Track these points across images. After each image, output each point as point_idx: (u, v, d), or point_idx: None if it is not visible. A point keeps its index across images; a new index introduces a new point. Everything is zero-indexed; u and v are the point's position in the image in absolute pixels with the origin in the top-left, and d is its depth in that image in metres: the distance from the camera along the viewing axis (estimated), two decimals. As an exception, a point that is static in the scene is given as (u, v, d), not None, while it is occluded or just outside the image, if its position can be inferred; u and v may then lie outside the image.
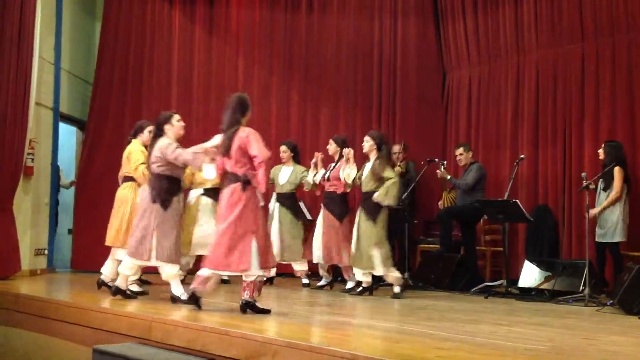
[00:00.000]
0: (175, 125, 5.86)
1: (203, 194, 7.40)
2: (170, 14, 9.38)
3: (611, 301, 5.84)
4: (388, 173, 6.76)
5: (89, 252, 8.66)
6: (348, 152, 7.10)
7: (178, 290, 5.60)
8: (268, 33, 9.60)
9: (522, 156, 7.83)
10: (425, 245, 8.83)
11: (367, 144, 6.93)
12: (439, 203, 8.67)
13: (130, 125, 8.90)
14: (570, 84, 8.25)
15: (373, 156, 6.92)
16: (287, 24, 9.65)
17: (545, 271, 7.10)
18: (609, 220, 6.89)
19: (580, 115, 8.09)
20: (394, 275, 6.72)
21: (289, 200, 7.69)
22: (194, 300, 5.14)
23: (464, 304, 6.30)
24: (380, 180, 6.75)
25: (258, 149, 5.07)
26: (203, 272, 5.09)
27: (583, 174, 6.91)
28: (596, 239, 6.89)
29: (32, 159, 7.91)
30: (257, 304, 5.07)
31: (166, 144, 5.63)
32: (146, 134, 6.57)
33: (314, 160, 7.52)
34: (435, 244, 8.56)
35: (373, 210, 6.74)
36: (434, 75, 9.81)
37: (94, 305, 5.33)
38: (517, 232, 8.41)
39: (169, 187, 5.66)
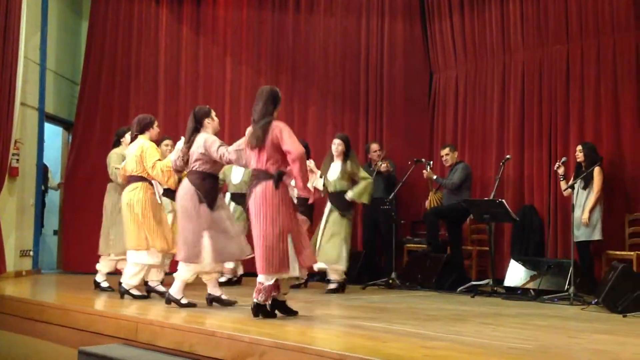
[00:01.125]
0: (215, 120, 5.72)
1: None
2: (157, 13, 9.35)
3: (596, 300, 5.89)
4: (363, 173, 7.19)
5: (76, 253, 8.66)
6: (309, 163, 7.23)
7: (217, 291, 5.58)
8: (255, 33, 9.59)
9: (508, 156, 7.88)
10: (412, 245, 8.86)
11: (340, 146, 7.16)
12: (426, 203, 8.70)
13: (117, 126, 8.91)
14: (555, 84, 8.31)
15: (340, 158, 7.16)
16: (274, 23, 9.65)
17: (531, 270, 7.14)
18: (589, 220, 6.99)
19: (565, 115, 8.15)
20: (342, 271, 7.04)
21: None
22: (285, 310, 4.97)
23: (451, 304, 6.33)
24: (352, 180, 7.11)
25: (292, 144, 4.79)
26: (260, 279, 4.79)
27: (562, 159, 7.11)
28: (575, 240, 6.92)
29: (17, 160, 7.86)
30: (286, 303, 4.99)
31: (211, 141, 5.41)
32: (156, 129, 6.30)
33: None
34: (422, 244, 8.59)
35: (346, 207, 7.11)
36: (421, 75, 9.85)
37: (79, 307, 5.31)
38: (503, 231, 8.46)
39: (213, 186, 5.49)
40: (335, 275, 7.07)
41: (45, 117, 8.69)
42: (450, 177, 8.16)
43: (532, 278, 7.06)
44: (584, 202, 7.06)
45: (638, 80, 7.60)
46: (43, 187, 8.87)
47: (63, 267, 8.86)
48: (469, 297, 6.87)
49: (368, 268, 8.34)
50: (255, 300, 4.80)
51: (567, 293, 6.39)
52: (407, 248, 8.90)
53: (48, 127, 8.96)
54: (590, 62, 8.01)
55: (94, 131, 8.95)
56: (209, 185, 5.42)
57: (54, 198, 9.48)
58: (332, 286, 7.04)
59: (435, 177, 8.25)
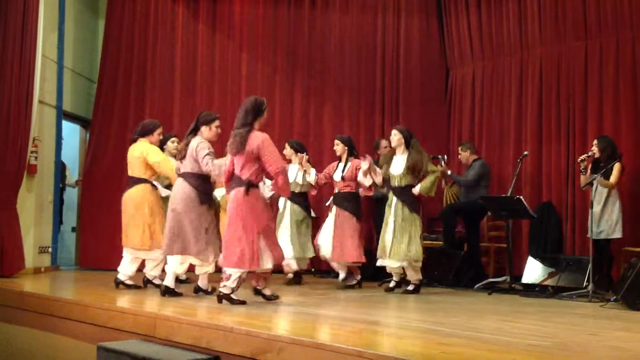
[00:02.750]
0: (213, 130, 5.96)
1: None
2: (173, 10, 9.37)
3: (615, 297, 5.84)
4: (431, 167, 6.91)
5: (94, 250, 8.73)
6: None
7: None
8: (271, 29, 9.59)
9: (525, 153, 7.82)
10: (429, 242, 8.81)
11: (396, 137, 6.95)
12: (443, 189, 8.63)
13: (134, 123, 8.96)
14: (573, 81, 8.23)
15: (401, 150, 6.93)
16: (290, 20, 9.64)
17: (549, 267, 7.10)
18: (609, 218, 6.88)
19: (583, 111, 8.08)
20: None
21: (298, 199, 7.61)
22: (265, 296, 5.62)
23: (468, 300, 6.30)
24: (419, 173, 6.85)
25: (272, 159, 5.26)
26: (229, 271, 5.34)
27: (590, 153, 6.97)
28: (594, 237, 6.83)
29: (36, 157, 7.92)
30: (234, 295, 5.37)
31: (200, 147, 5.74)
32: (156, 136, 6.66)
33: (298, 162, 7.48)
34: (439, 241, 8.54)
35: (414, 203, 6.83)
36: (437, 72, 9.79)
37: (98, 303, 5.34)
38: (521, 228, 8.41)
39: (208, 186, 5.92)
40: (414, 273, 6.82)
41: (63, 114, 8.75)
42: (465, 174, 8.13)
43: (550, 275, 7.01)
44: (604, 199, 6.93)
45: (658, 77, 7.52)
46: (60, 185, 8.93)
47: (81, 263, 8.92)
48: (487, 294, 6.84)
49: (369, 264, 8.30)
50: (221, 289, 5.34)
51: (585, 290, 6.35)
52: (424, 245, 8.84)
53: (66, 124, 9.03)
54: (609, 58, 7.93)
55: (111, 128, 9.00)
56: (206, 186, 5.83)
57: (72, 195, 9.54)
58: (410, 287, 6.82)
59: (449, 172, 8.21)
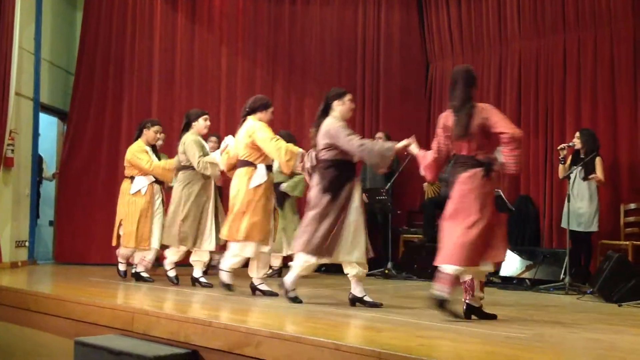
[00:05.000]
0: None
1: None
2: (152, 2, 9.27)
3: (591, 289, 5.90)
4: None
5: (71, 244, 8.65)
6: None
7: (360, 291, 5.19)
8: (252, 23, 9.54)
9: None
10: (408, 235, 8.86)
11: None
12: (423, 186, 8.66)
13: (112, 116, 8.90)
14: (552, 75, 8.30)
15: None
16: (270, 14, 9.60)
17: (527, 260, 7.16)
18: (587, 211, 6.95)
19: (562, 105, 8.15)
20: None
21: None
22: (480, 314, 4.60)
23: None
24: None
25: (506, 124, 4.40)
26: (448, 270, 4.37)
27: (570, 143, 7.03)
28: (574, 228, 6.90)
29: (12, 150, 7.82)
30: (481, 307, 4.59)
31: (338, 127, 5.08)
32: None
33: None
34: (419, 234, 8.58)
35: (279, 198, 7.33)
36: (418, 66, 9.82)
37: (75, 297, 5.29)
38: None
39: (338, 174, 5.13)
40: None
41: (40, 107, 8.65)
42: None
43: (528, 268, 7.07)
44: (585, 192, 6.97)
45: (635, 71, 7.60)
46: (38, 178, 8.83)
47: (58, 258, 8.84)
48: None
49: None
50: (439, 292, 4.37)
51: (562, 283, 6.41)
52: (404, 238, 8.89)
53: (43, 117, 8.92)
54: (587, 52, 7.99)
55: (89, 121, 8.91)
56: (333, 174, 5.09)
57: (49, 189, 9.45)
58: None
59: None
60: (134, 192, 6.73)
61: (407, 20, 9.81)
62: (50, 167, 9.42)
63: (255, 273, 5.73)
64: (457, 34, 9.41)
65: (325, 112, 5.22)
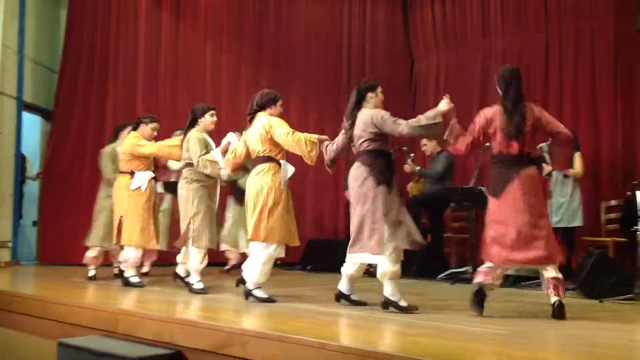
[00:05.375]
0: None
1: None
2: (136, -1, 9.24)
3: (573, 286, 5.96)
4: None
5: (55, 244, 8.58)
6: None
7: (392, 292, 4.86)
8: (237, 19, 9.53)
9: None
10: (393, 233, 8.86)
11: None
12: (408, 186, 8.69)
13: (96, 114, 8.83)
14: (535, 71, 8.37)
15: None
16: (256, 10, 9.60)
17: (510, 257, 7.18)
18: (570, 206, 7.01)
19: (544, 101, 8.20)
20: None
21: None
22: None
23: (431, 291, 6.37)
24: None
25: (561, 125, 4.68)
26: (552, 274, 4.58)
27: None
28: (554, 226, 6.96)
29: (-5, 149, 7.77)
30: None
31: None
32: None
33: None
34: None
35: None
36: (402, 62, 9.87)
37: (58, 298, 5.27)
38: (484, 219, 8.48)
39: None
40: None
41: (23, 106, 8.58)
42: (433, 167, 8.19)
43: (512, 264, 7.10)
44: (566, 188, 7.03)
45: (616, 67, 7.68)
46: (21, 178, 8.76)
47: (41, 258, 8.78)
48: (449, 285, 6.92)
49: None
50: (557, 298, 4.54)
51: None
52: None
53: (26, 116, 8.85)
54: (569, 49, 8.07)
55: (73, 120, 8.84)
56: (384, 165, 4.95)
57: (33, 189, 9.37)
58: None
59: (418, 168, 8.25)
60: (134, 188, 6.40)
61: (391, 17, 9.85)
62: (33, 166, 9.35)
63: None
64: (441, 30, 9.45)
65: (359, 104, 5.12)
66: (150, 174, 6.52)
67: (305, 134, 5.30)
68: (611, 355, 3.40)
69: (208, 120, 6.09)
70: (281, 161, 5.38)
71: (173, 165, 7.21)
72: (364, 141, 4.95)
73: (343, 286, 5.13)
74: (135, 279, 6.28)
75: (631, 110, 7.52)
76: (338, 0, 9.79)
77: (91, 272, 6.82)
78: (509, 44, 8.70)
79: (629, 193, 6.18)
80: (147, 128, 6.57)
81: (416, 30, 9.77)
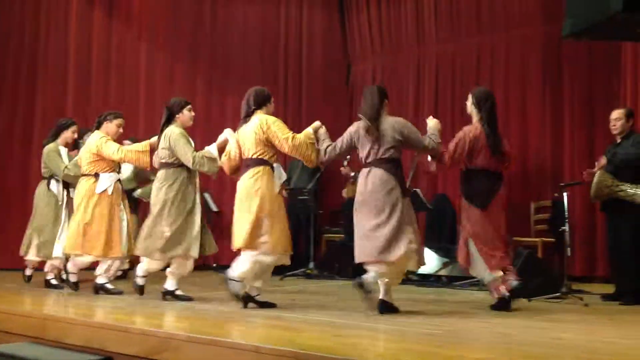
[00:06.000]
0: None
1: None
2: (67, -5, 8.97)
3: (504, 285, 6.10)
4: None
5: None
6: None
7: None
8: (172, 18, 9.39)
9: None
10: (330, 235, 8.93)
11: None
12: (343, 191, 8.76)
13: (24, 114, 8.54)
14: (467, 77, 8.55)
15: None
16: (191, 9, 9.48)
17: (444, 258, 7.35)
18: None
19: (477, 107, 8.40)
20: None
21: None
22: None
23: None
24: None
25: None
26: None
27: None
28: None
29: None
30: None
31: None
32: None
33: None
34: (340, 234, 8.66)
35: None
36: (339, 66, 9.94)
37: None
38: (418, 220, 8.58)
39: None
40: None
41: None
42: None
43: (445, 265, 7.26)
44: None
45: (544, 73, 7.92)
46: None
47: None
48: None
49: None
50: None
51: (477, 279, 6.59)
52: (326, 238, 8.96)
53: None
54: (500, 56, 8.29)
55: (0, 119, 8.54)
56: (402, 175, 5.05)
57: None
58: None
59: (352, 173, 8.30)
60: (100, 192, 5.90)
61: (328, 20, 9.90)
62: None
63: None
64: (377, 35, 9.57)
65: (381, 105, 5.04)
66: (116, 176, 6.06)
67: (304, 134, 5.16)
68: (538, 352, 3.50)
69: (186, 115, 5.71)
70: (274, 164, 5.17)
71: (124, 172, 6.70)
72: (388, 148, 4.92)
73: (384, 295, 4.96)
74: (109, 285, 5.93)
75: (559, 115, 7.77)
76: (274, 2, 9.78)
77: (54, 281, 6.43)
78: (442, 51, 8.87)
79: (556, 195, 6.37)
80: (112, 125, 6.06)
81: (353, 34, 9.86)
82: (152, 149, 5.78)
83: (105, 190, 5.92)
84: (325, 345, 3.59)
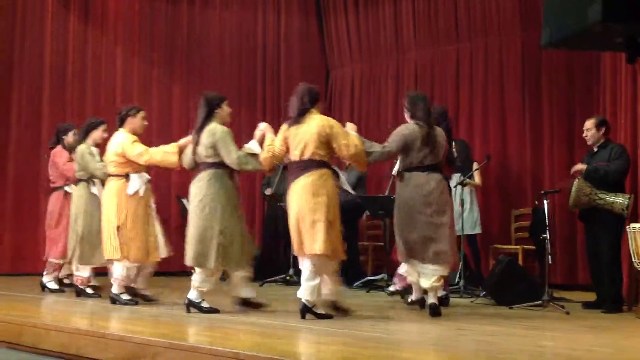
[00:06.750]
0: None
1: None
2: (42, 0, 8.85)
3: (484, 292, 6.11)
4: None
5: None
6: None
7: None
8: (148, 24, 9.31)
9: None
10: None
11: None
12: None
13: (0, 119, 8.40)
14: (446, 84, 8.59)
15: None
16: (168, 14, 9.42)
17: (423, 264, 7.31)
18: (470, 215, 7.21)
19: (455, 113, 8.41)
20: None
21: None
22: None
23: (347, 299, 6.37)
24: None
25: None
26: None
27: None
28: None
29: None
30: None
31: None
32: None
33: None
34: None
35: None
36: (318, 72, 9.91)
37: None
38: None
39: None
40: None
41: None
42: (348, 175, 8.24)
43: (425, 272, 7.22)
44: (466, 198, 7.17)
45: (523, 80, 7.96)
46: None
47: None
48: (365, 292, 6.97)
49: (266, 265, 8.27)
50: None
51: (457, 286, 6.60)
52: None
53: None
54: (479, 62, 8.33)
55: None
56: None
57: None
58: None
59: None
60: (132, 193, 5.62)
61: (306, 26, 9.89)
62: None
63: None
64: (356, 41, 9.58)
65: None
66: (147, 176, 5.77)
67: (357, 139, 5.11)
68: None
69: (225, 110, 5.45)
70: (334, 167, 5.04)
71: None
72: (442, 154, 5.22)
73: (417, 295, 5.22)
74: (125, 296, 5.57)
75: (538, 121, 7.81)
76: (252, 9, 9.75)
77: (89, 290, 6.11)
78: (421, 57, 8.90)
79: (536, 202, 6.39)
80: (137, 120, 5.80)
81: (331, 40, 9.85)
82: (181, 150, 5.54)
83: (137, 192, 5.64)
84: (308, 352, 3.56)
